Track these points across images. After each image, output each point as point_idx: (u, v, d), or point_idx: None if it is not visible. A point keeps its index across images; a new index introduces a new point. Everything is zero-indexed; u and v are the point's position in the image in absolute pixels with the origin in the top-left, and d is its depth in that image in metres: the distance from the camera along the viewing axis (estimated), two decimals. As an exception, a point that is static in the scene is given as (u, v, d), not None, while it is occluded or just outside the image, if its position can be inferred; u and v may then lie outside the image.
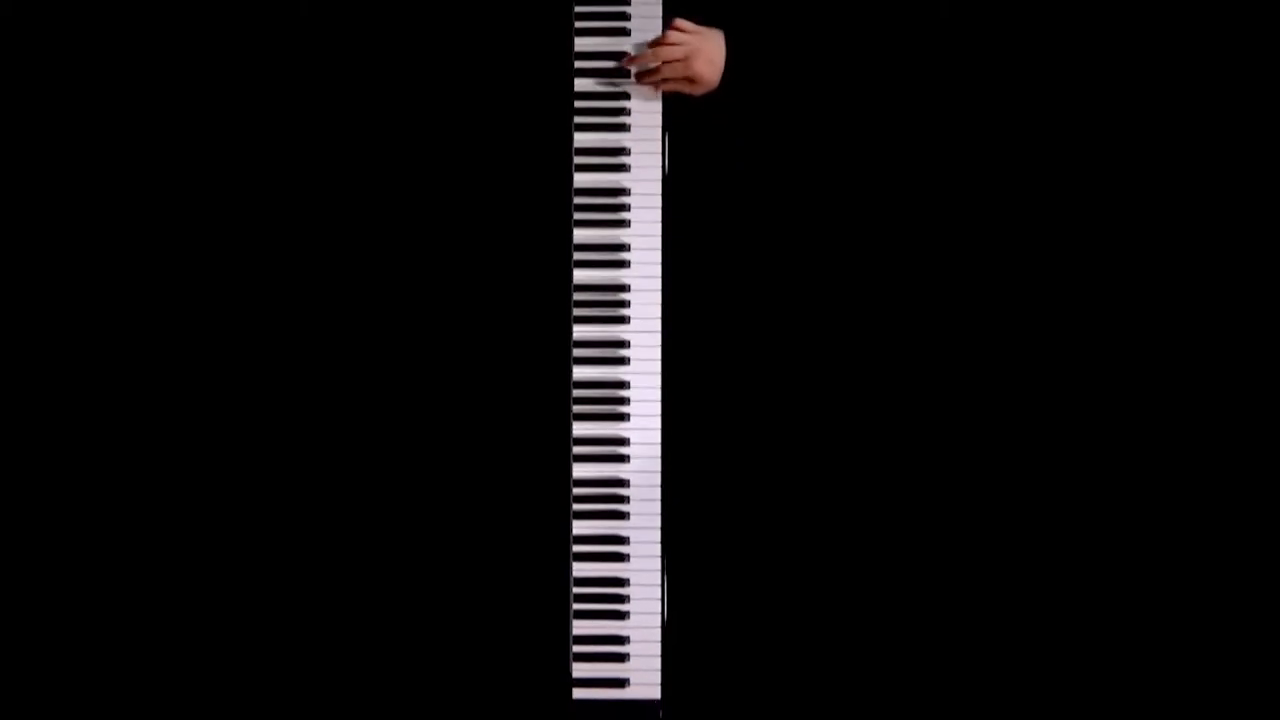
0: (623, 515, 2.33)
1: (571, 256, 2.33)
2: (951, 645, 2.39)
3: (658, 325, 2.35)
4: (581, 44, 2.33)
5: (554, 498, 2.33)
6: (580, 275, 2.34)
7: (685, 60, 2.25)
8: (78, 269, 2.34)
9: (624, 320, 2.35)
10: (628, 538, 2.33)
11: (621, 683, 2.31)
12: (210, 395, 2.34)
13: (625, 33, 2.34)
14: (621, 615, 2.32)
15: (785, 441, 2.39)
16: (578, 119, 2.33)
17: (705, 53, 2.24)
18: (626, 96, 2.34)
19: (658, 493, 2.33)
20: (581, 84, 2.33)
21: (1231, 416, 2.37)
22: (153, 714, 2.32)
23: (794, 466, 2.39)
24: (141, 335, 2.34)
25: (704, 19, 2.30)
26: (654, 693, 2.31)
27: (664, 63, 2.25)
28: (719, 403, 2.39)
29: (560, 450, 2.33)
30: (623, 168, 2.35)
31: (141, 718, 2.32)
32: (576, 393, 2.34)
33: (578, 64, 2.33)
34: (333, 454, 2.35)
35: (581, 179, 2.34)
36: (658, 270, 2.34)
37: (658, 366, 2.35)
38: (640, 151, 2.35)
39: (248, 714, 2.34)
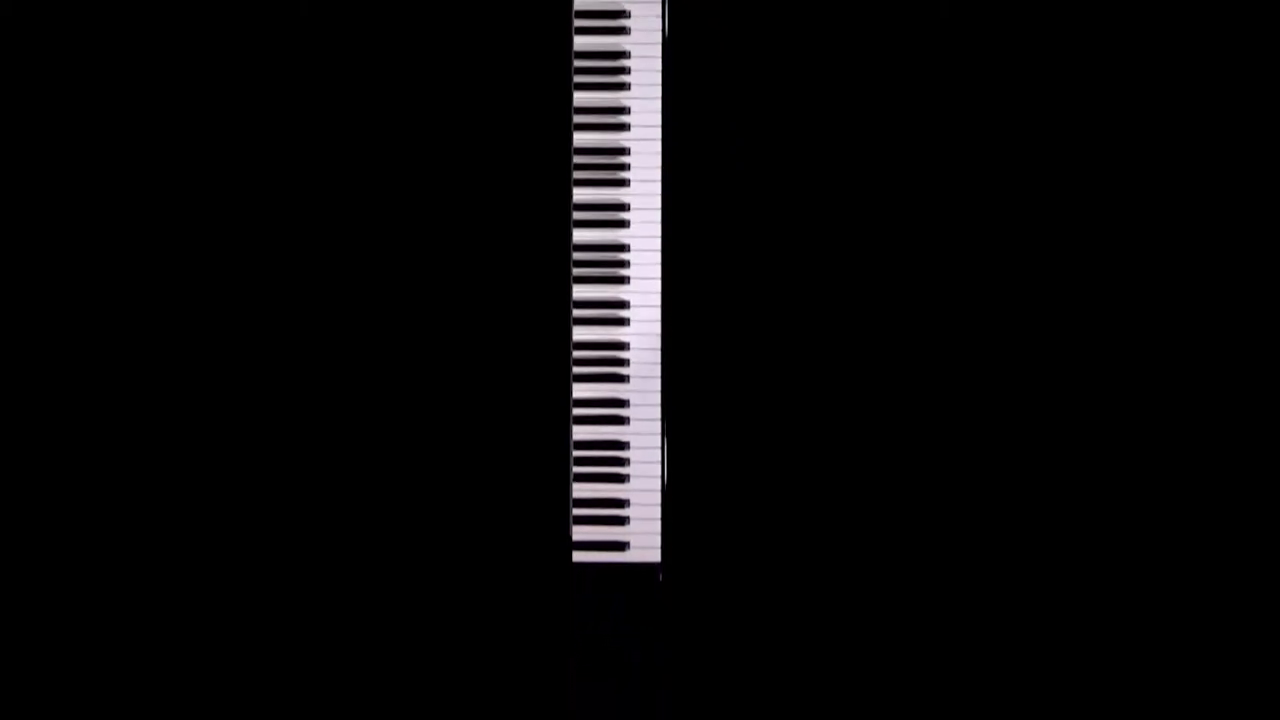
0: (623, 379, 2.33)
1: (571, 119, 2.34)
2: (953, 519, 2.39)
3: (658, 188, 2.35)
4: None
5: (554, 361, 2.32)
6: (581, 138, 2.34)
7: None
8: (78, 269, 2.32)
9: (624, 184, 2.35)
10: (628, 401, 2.33)
11: (621, 546, 2.31)
12: (200, 371, 2.33)
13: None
14: (622, 479, 2.32)
15: (784, 307, 2.39)
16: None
17: None
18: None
19: (658, 356, 2.33)
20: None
21: (1231, 416, 2.37)
22: (151, 711, 2.31)
23: (791, 330, 2.39)
24: (141, 335, 2.33)
25: (704, 17, 2.33)
26: (654, 556, 2.31)
27: None
28: (721, 267, 2.38)
29: (560, 314, 2.33)
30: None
31: (141, 717, 2.32)
32: (577, 255, 2.34)
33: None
34: (334, 343, 2.35)
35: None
36: (657, 127, 2.35)
37: (658, 230, 2.35)
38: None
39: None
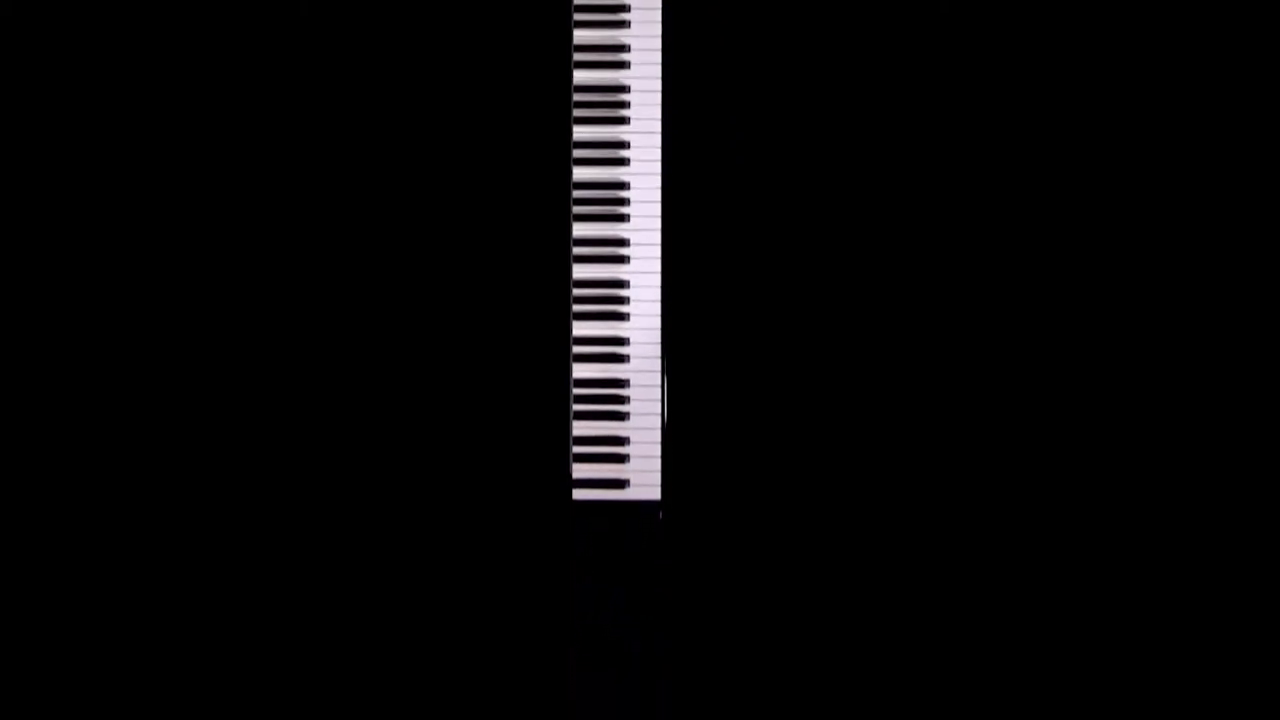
0: (622, 316, 2.33)
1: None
2: (957, 447, 2.38)
3: (657, 126, 2.34)
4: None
5: (553, 299, 2.32)
6: (581, 75, 2.34)
7: None
8: (79, 268, 2.33)
9: (625, 121, 2.35)
10: (627, 339, 2.33)
11: (621, 484, 2.31)
12: (197, 356, 2.34)
13: None
14: (622, 416, 2.32)
15: (786, 243, 2.38)
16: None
17: None
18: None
19: (658, 292, 2.33)
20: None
21: (1232, 416, 2.36)
22: (149, 707, 2.33)
23: (793, 266, 2.38)
24: (141, 334, 2.33)
25: (704, 17, 2.32)
26: (654, 494, 2.31)
27: None
28: (722, 204, 2.37)
29: (559, 251, 2.32)
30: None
31: (140, 716, 2.33)
32: (577, 194, 2.33)
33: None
34: (339, 281, 2.36)
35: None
36: (658, 70, 2.34)
37: (658, 168, 2.34)
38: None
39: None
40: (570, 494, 2.31)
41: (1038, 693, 2.34)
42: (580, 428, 2.31)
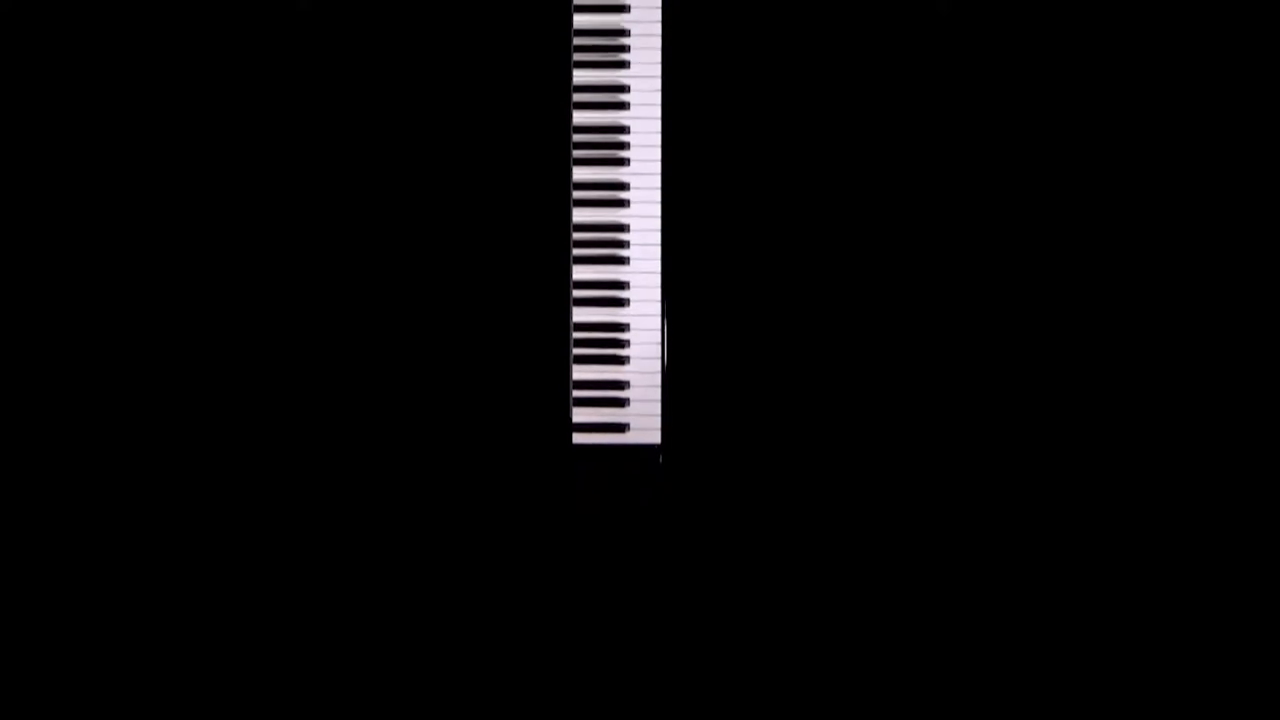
0: (623, 260, 2.32)
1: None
2: (952, 389, 2.37)
3: (657, 70, 2.34)
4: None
5: (553, 243, 2.32)
6: (580, 20, 2.34)
7: None
8: (79, 268, 2.36)
9: (624, 65, 2.34)
10: (628, 282, 2.32)
11: (621, 428, 2.31)
12: (200, 349, 2.35)
13: None
14: (622, 360, 2.32)
15: (782, 193, 2.37)
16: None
17: None
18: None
19: (658, 236, 2.32)
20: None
21: (1231, 416, 2.33)
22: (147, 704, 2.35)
23: (790, 214, 2.37)
24: (140, 334, 2.35)
25: (703, 18, 2.31)
26: (654, 438, 2.31)
27: None
28: (721, 150, 2.36)
29: (560, 196, 2.32)
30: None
31: (138, 714, 2.36)
32: (577, 138, 2.33)
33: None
34: (342, 244, 2.37)
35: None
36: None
37: (658, 111, 2.34)
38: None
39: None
40: (570, 438, 2.31)
41: (1018, 630, 2.34)
42: (580, 371, 2.32)
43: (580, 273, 2.32)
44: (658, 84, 2.33)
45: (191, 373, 2.34)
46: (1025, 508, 2.33)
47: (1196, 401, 2.33)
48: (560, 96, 2.32)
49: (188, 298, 2.35)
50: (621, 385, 2.31)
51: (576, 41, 2.33)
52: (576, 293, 2.32)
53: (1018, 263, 2.35)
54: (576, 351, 2.31)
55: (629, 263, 2.32)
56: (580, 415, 2.32)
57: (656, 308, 2.32)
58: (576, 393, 2.31)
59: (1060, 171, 2.35)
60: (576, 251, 2.32)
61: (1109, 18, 2.35)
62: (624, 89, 2.33)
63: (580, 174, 2.33)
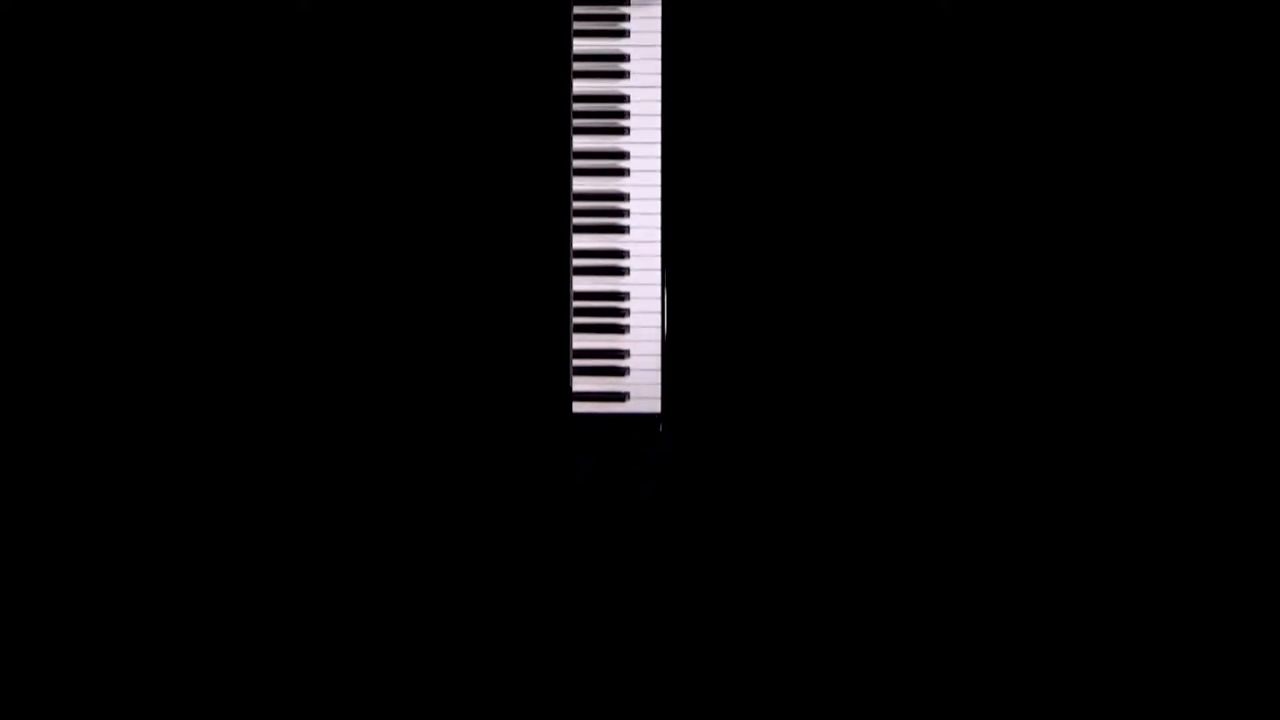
0: (623, 229, 2.32)
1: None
2: (954, 367, 2.37)
3: (657, 40, 2.33)
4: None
5: (553, 212, 2.32)
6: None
7: None
8: (79, 268, 2.35)
9: (624, 34, 2.34)
10: (627, 251, 2.32)
11: (621, 397, 2.31)
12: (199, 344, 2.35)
13: None
14: (622, 330, 2.32)
15: (782, 161, 2.37)
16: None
17: None
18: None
19: (658, 205, 2.32)
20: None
21: (1231, 417, 2.33)
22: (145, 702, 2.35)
23: (790, 187, 2.37)
24: (140, 333, 2.34)
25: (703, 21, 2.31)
26: (654, 406, 2.31)
27: None
28: (722, 116, 2.36)
29: (560, 164, 2.32)
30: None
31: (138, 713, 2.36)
32: (577, 106, 2.33)
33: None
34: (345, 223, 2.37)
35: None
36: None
37: (658, 80, 2.33)
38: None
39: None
40: (570, 407, 2.31)
41: (1020, 626, 2.34)
42: (580, 340, 2.31)
43: (580, 241, 2.32)
44: (658, 53, 2.33)
45: (191, 360, 2.34)
46: (1026, 498, 2.33)
47: (1196, 401, 2.34)
48: (560, 65, 2.32)
49: (185, 283, 2.34)
50: (621, 354, 2.31)
51: (576, 10, 2.33)
52: (577, 261, 2.32)
53: (1017, 238, 2.35)
54: (577, 320, 2.31)
55: (629, 231, 2.32)
56: (580, 384, 2.31)
57: (657, 276, 2.32)
58: (577, 361, 2.31)
59: (1061, 169, 2.35)
60: (577, 220, 2.32)
61: (1109, 15, 2.35)
62: (624, 58, 2.33)
63: (580, 142, 2.33)
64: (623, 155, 2.33)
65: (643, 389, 2.31)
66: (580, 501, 2.34)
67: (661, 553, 2.34)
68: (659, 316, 2.31)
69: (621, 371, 2.31)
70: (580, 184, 2.32)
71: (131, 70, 2.35)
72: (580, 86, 2.33)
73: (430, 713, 2.31)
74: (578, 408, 2.31)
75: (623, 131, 2.33)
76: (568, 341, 2.31)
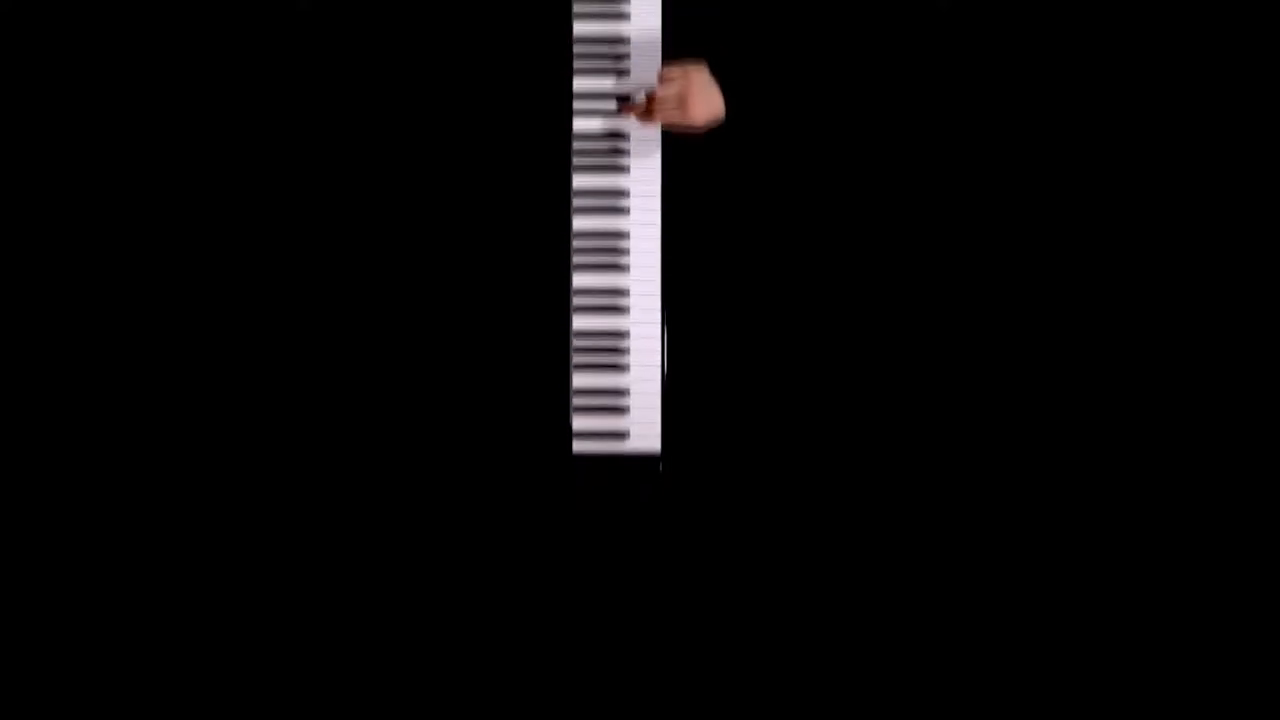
0: (622, 268, 2.32)
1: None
2: (956, 413, 2.39)
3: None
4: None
5: (553, 250, 2.32)
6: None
7: (680, 106, 2.22)
8: (78, 268, 2.33)
9: (625, 74, 2.34)
10: (628, 289, 2.32)
11: (622, 435, 2.31)
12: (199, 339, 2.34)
13: None
14: (621, 368, 2.31)
15: (782, 199, 2.38)
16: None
17: (695, 91, 2.22)
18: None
19: (658, 244, 2.32)
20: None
21: (1231, 417, 2.36)
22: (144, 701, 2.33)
23: (790, 219, 2.38)
24: (140, 333, 2.33)
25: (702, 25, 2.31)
26: (654, 445, 2.31)
27: (659, 110, 2.24)
28: (723, 153, 2.37)
29: (560, 202, 2.32)
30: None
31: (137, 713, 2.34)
32: (577, 145, 2.32)
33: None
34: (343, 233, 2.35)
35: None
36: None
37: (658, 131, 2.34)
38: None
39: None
40: (571, 446, 2.30)
41: (1014, 636, 2.36)
42: (580, 379, 2.31)
43: (580, 280, 2.32)
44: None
45: (194, 382, 2.33)
46: (1022, 522, 2.35)
47: (1196, 401, 2.36)
48: (561, 103, 2.32)
49: (186, 300, 2.33)
50: (622, 393, 2.31)
51: (577, 50, 2.32)
52: (576, 300, 2.31)
53: (1018, 265, 2.37)
54: (576, 359, 2.31)
55: (629, 270, 2.32)
56: (580, 423, 2.31)
57: (657, 315, 2.32)
58: (576, 400, 2.30)
59: (1061, 169, 2.37)
60: (576, 259, 2.32)
61: (1109, 15, 2.37)
62: (625, 99, 2.33)
63: (580, 181, 2.32)
64: (623, 194, 2.32)
65: (643, 428, 2.31)
66: (580, 540, 2.33)
67: (661, 594, 2.34)
68: (659, 355, 2.31)
69: (622, 410, 2.31)
70: (580, 222, 2.32)
71: (131, 70, 2.33)
72: (580, 125, 2.32)
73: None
74: (577, 446, 2.31)
75: (622, 170, 2.33)
76: (568, 380, 2.30)
